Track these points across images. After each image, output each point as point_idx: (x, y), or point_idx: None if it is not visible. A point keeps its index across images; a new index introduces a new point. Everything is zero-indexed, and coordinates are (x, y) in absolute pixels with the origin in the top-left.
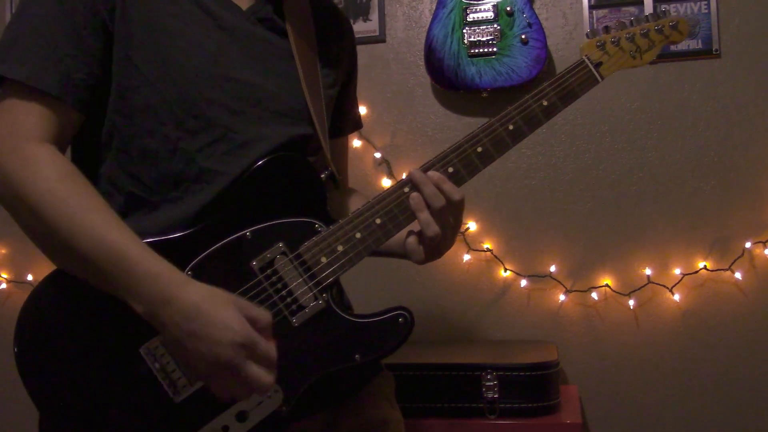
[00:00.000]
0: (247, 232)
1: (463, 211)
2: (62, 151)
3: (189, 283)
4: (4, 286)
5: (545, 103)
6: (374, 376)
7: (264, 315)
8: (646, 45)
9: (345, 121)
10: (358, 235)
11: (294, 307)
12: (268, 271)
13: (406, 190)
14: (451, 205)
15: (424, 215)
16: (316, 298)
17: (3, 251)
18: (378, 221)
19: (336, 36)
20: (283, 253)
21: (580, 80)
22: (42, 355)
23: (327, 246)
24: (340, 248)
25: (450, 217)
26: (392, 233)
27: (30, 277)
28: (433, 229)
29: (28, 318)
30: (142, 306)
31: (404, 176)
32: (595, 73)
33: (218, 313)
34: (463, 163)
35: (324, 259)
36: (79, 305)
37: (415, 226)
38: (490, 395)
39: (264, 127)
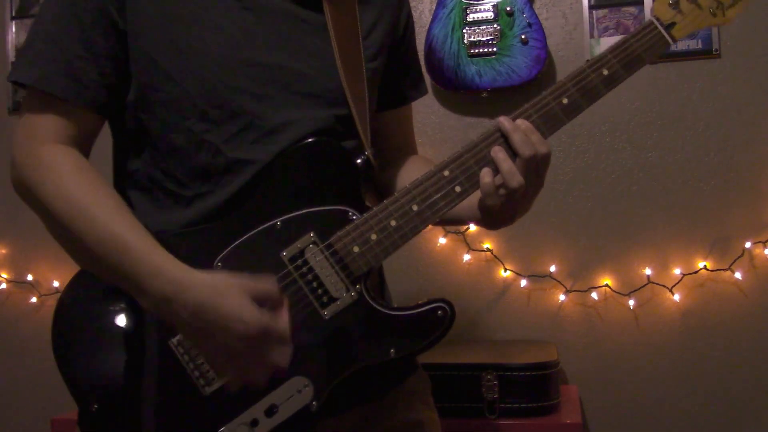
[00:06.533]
0: (278, 222)
1: (548, 167)
2: (86, 151)
3: (191, 277)
4: (4, 286)
5: (606, 72)
6: (408, 376)
7: (271, 286)
8: None
9: (403, 89)
10: (393, 224)
11: (325, 298)
12: (299, 261)
13: (446, 174)
14: (540, 157)
15: (507, 165)
16: (348, 290)
17: (3, 251)
18: (415, 208)
19: None
20: (314, 243)
21: (648, 44)
22: (77, 352)
23: (360, 235)
24: (373, 237)
25: (534, 173)
26: (431, 220)
27: (30, 277)
28: (518, 179)
29: (61, 317)
30: (146, 301)
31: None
32: (666, 35)
33: (225, 306)
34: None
35: (356, 249)
36: (108, 300)
37: (455, 212)
38: (490, 395)
39: (294, 112)
